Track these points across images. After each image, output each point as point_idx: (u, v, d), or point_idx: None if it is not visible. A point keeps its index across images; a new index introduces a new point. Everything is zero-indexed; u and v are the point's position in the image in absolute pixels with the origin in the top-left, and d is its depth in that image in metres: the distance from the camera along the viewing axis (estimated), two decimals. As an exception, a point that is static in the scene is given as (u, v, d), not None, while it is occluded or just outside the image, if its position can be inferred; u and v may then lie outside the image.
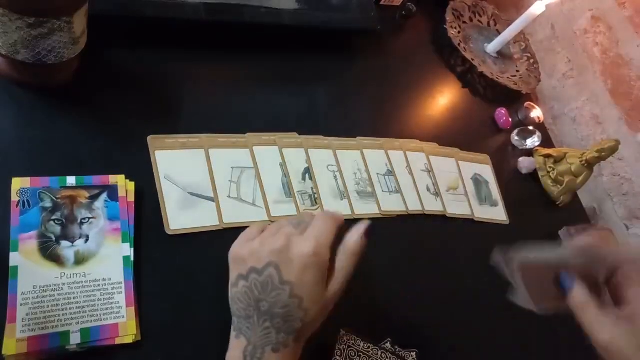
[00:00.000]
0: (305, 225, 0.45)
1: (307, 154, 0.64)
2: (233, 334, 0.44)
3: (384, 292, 0.60)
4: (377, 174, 0.67)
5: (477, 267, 0.67)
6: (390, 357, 0.53)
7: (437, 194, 0.71)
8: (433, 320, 0.61)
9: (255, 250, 0.43)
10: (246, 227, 0.50)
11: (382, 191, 0.66)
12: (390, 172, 0.69)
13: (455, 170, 0.75)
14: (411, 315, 0.59)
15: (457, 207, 0.71)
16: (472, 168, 0.77)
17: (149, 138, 0.56)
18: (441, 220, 0.69)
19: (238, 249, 0.45)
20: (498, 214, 0.75)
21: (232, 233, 0.54)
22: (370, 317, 0.56)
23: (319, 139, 0.66)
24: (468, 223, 0.72)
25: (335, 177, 0.64)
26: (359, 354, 0.51)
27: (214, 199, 0.55)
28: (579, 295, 0.42)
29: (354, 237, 0.45)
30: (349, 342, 0.52)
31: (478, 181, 0.77)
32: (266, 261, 0.42)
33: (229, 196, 0.56)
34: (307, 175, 0.62)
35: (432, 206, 0.69)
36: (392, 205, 0.66)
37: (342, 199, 0.63)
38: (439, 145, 0.76)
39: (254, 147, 0.61)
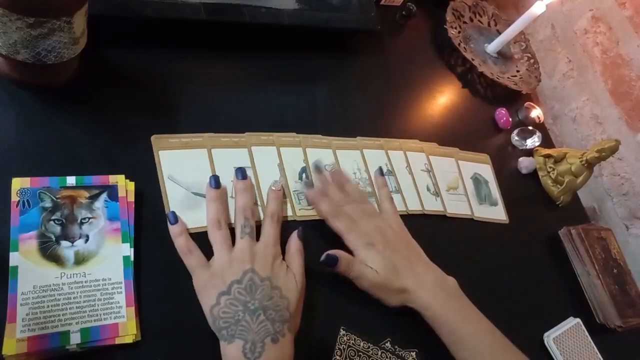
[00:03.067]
0: (252, 227, 0.51)
1: (304, 153, 0.64)
2: (224, 343, 0.45)
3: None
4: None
5: (477, 266, 0.67)
6: (390, 357, 0.53)
7: (437, 193, 0.71)
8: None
9: (225, 268, 0.48)
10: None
11: (382, 191, 0.66)
12: (390, 172, 0.69)
13: (455, 169, 0.75)
14: (411, 315, 0.59)
15: (456, 207, 0.71)
16: (472, 167, 0.77)
17: (153, 138, 0.56)
18: (441, 220, 0.69)
19: (204, 276, 0.48)
20: (498, 213, 0.75)
21: (233, 233, 0.54)
22: (370, 317, 0.56)
23: (318, 139, 0.66)
24: (468, 223, 0.72)
25: None
26: (359, 353, 0.52)
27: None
28: (342, 263, 0.54)
29: (293, 240, 0.55)
30: (349, 342, 0.52)
31: (478, 181, 0.77)
32: (242, 270, 0.48)
33: (231, 196, 0.56)
34: (304, 175, 0.62)
35: (432, 206, 0.69)
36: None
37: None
38: (439, 145, 0.76)
39: (253, 147, 0.61)
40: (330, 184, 0.60)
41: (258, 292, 0.47)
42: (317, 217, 0.59)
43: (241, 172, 0.55)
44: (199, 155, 0.57)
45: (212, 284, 0.47)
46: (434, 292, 0.55)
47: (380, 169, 0.66)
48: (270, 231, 0.52)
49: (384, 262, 0.55)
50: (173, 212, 0.51)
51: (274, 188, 0.57)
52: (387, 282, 0.55)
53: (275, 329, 0.45)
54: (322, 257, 0.54)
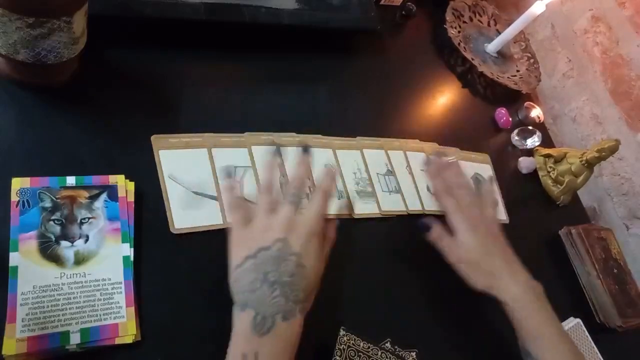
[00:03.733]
0: (300, 196, 0.50)
1: None
2: (237, 309, 0.44)
3: (384, 292, 0.60)
4: (377, 173, 0.67)
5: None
6: (390, 357, 0.53)
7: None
8: (433, 320, 0.61)
9: (259, 232, 0.47)
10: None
11: (382, 191, 0.66)
12: (391, 172, 0.69)
13: (455, 170, 0.75)
14: (411, 315, 0.59)
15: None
16: (472, 168, 0.77)
17: (153, 138, 0.56)
18: (441, 220, 0.69)
19: (240, 234, 0.48)
20: (497, 213, 0.75)
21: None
22: (370, 317, 0.56)
23: (318, 138, 0.66)
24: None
25: None
26: (359, 354, 0.51)
27: (217, 198, 0.55)
28: (435, 232, 0.59)
29: (331, 227, 0.53)
30: (349, 342, 0.52)
31: (478, 181, 0.77)
32: (273, 238, 0.46)
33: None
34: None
35: (432, 206, 0.69)
36: (392, 205, 0.66)
37: (339, 198, 0.63)
38: (439, 145, 0.76)
39: (253, 147, 0.61)
40: (448, 168, 0.64)
41: (282, 265, 0.45)
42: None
43: (304, 149, 0.54)
44: (199, 155, 0.57)
45: (243, 244, 0.47)
46: (523, 289, 0.56)
47: (477, 179, 0.71)
48: (316, 205, 0.50)
49: (482, 245, 0.57)
50: (228, 168, 0.55)
51: (326, 168, 0.57)
52: (480, 261, 0.57)
53: (287, 307, 0.44)
54: (418, 222, 0.59)
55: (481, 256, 0.57)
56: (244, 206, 0.50)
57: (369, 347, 0.52)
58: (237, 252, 0.47)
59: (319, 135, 0.66)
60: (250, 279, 0.44)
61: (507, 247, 0.60)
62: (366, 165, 0.67)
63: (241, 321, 0.43)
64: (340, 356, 0.51)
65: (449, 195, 0.60)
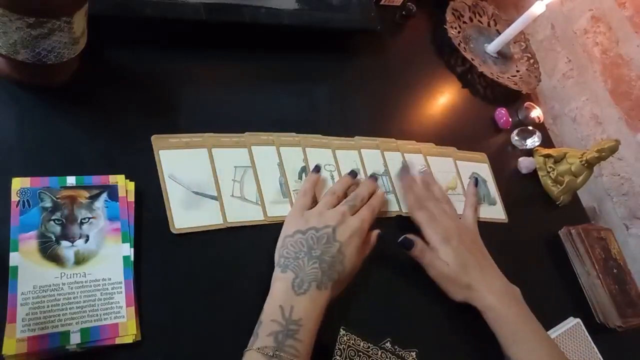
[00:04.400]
0: (355, 205, 0.58)
1: (304, 152, 0.64)
2: (278, 270, 0.51)
3: (384, 292, 0.60)
4: (374, 173, 0.67)
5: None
6: (390, 357, 0.53)
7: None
8: (433, 320, 0.61)
9: (315, 216, 0.55)
10: (250, 227, 0.56)
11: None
12: (385, 172, 0.69)
13: (453, 169, 0.75)
14: (411, 315, 0.60)
15: (456, 207, 0.71)
16: (470, 167, 0.77)
17: (153, 138, 0.56)
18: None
19: (298, 213, 0.56)
20: (497, 212, 0.75)
21: (235, 232, 0.54)
22: (370, 317, 0.56)
23: (317, 138, 0.66)
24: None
25: (332, 176, 0.64)
26: (359, 353, 0.51)
27: (217, 198, 0.55)
28: (417, 248, 0.60)
29: (374, 234, 0.59)
30: (349, 342, 0.52)
31: (476, 180, 0.76)
32: (325, 224, 0.54)
33: (232, 195, 0.56)
34: (303, 174, 0.62)
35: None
36: (387, 205, 0.66)
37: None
38: (436, 145, 0.76)
39: (253, 147, 0.61)
40: (418, 182, 0.67)
41: (326, 247, 0.52)
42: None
43: (374, 178, 0.64)
44: (199, 155, 0.57)
45: (298, 221, 0.54)
46: (499, 295, 0.58)
47: (476, 180, 0.74)
48: (365, 212, 0.57)
49: (456, 258, 0.59)
50: (317, 166, 0.62)
51: (379, 191, 0.63)
52: (456, 276, 0.59)
53: (323, 280, 0.50)
54: (400, 239, 0.60)
55: (457, 270, 0.59)
56: (307, 196, 0.58)
57: (369, 347, 0.52)
58: (291, 225, 0.54)
59: (319, 135, 0.67)
60: (296, 249, 0.52)
61: (483, 252, 0.63)
62: (363, 166, 0.67)
63: (281, 280, 0.50)
64: (340, 356, 0.51)
65: (421, 209, 0.63)
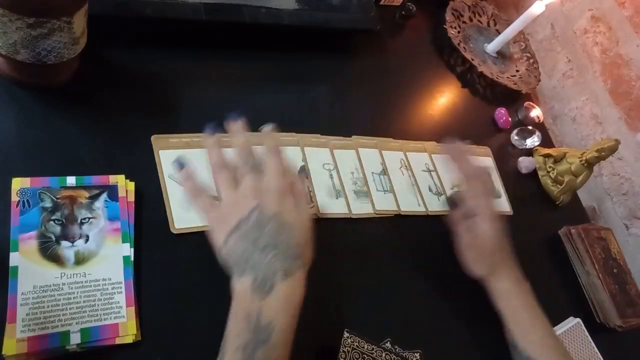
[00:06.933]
0: (258, 164, 0.49)
1: (303, 152, 0.64)
2: (235, 277, 0.45)
3: (384, 292, 0.60)
4: (372, 173, 0.67)
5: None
6: (394, 359, 0.52)
7: (440, 193, 0.71)
8: (436, 320, 0.61)
9: (231, 207, 0.47)
10: None
11: (377, 190, 0.66)
12: (383, 172, 0.69)
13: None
14: (414, 315, 0.59)
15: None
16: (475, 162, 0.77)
17: (153, 138, 0.56)
18: (443, 218, 0.69)
19: (214, 217, 0.48)
20: (502, 205, 0.76)
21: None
22: (370, 317, 0.56)
23: (316, 137, 0.66)
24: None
25: (331, 175, 0.64)
26: (363, 355, 0.51)
27: (217, 198, 0.55)
28: (461, 211, 0.61)
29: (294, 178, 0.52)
30: (353, 344, 0.51)
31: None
32: (248, 207, 0.46)
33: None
34: (302, 174, 0.62)
35: (436, 206, 0.69)
36: (386, 204, 0.66)
37: (337, 198, 0.63)
38: (437, 144, 0.76)
39: (252, 147, 0.61)
40: (468, 154, 0.63)
41: (265, 229, 0.45)
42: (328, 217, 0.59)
43: (233, 117, 0.53)
44: (199, 155, 0.57)
45: (221, 225, 0.47)
46: (516, 283, 0.59)
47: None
48: (272, 164, 0.49)
49: (496, 236, 0.59)
50: (179, 159, 0.51)
51: (265, 128, 0.54)
52: (489, 251, 0.59)
53: (284, 265, 0.44)
54: (451, 192, 0.65)
55: (492, 247, 0.59)
56: (202, 194, 0.49)
57: (372, 349, 0.52)
58: (218, 234, 0.47)
59: (317, 135, 0.67)
60: (241, 250, 0.45)
61: (508, 247, 0.62)
62: (361, 165, 0.67)
63: (242, 285, 0.44)
64: (344, 358, 0.50)
65: (477, 180, 0.61)
